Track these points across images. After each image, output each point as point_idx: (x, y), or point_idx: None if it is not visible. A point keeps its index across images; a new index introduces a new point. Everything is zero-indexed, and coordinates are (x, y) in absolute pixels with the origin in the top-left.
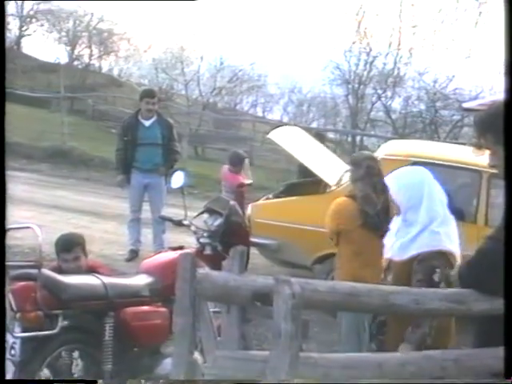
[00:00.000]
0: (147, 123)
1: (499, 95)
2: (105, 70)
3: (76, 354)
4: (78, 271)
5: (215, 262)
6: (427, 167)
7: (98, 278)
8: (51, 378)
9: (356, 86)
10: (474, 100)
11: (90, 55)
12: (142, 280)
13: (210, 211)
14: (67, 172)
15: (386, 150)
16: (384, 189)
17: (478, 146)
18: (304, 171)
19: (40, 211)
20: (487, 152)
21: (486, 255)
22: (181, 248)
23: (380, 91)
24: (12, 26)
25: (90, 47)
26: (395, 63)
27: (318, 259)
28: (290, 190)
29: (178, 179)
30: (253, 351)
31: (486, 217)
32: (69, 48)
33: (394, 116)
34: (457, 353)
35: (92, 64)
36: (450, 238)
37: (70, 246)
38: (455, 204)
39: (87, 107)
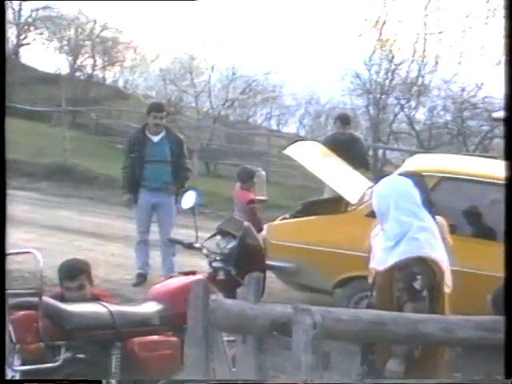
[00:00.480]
0: (155, 139)
1: None
2: (109, 81)
3: None
4: (83, 300)
5: (229, 288)
6: (455, 183)
7: (103, 305)
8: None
9: (377, 95)
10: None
11: (93, 66)
12: (150, 307)
13: (222, 233)
14: (69, 191)
15: (410, 165)
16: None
17: None
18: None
19: (40, 233)
20: None
21: None
22: (192, 273)
23: (403, 101)
24: (9, 34)
25: (93, 57)
26: (419, 71)
27: (338, 283)
28: (309, 209)
29: (189, 199)
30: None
31: None
32: (70, 58)
33: (418, 127)
34: None
35: (95, 75)
36: (432, 245)
37: (74, 274)
38: (486, 222)
39: (90, 121)
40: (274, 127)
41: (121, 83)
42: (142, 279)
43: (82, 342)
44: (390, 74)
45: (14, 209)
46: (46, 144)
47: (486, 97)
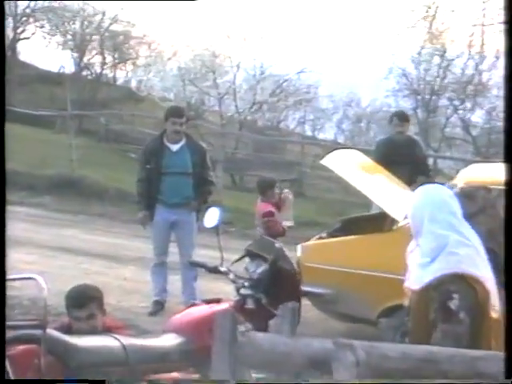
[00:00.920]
0: (174, 148)
1: None
2: (120, 81)
3: None
4: (93, 332)
5: (259, 319)
6: None
7: (116, 338)
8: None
9: (427, 96)
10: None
11: (102, 63)
12: (170, 340)
13: (251, 255)
14: (76, 206)
15: (467, 177)
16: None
17: None
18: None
19: (43, 254)
20: None
21: None
22: (217, 301)
23: (457, 102)
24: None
25: (101, 53)
26: (476, 67)
27: (384, 312)
28: (349, 227)
29: (212, 216)
30: None
31: None
32: (76, 55)
33: (474, 132)
34: None
35: (104, 74)
36: (474, 261)
37: (83, 302)
38: None
39: (99, 127)
40: (309, 133)
41: (133, 84)
42: (159, 307)
43: (91, 380)
44: (441, 71)
45: (12, 227)
46: (49, 153)
47: None
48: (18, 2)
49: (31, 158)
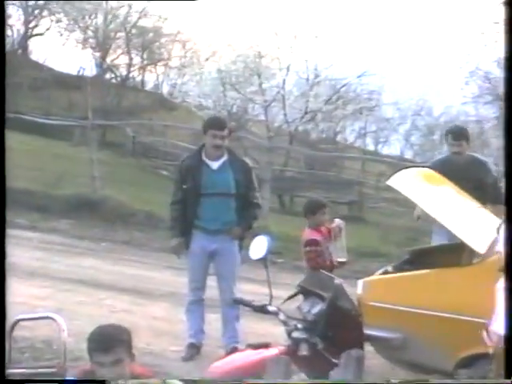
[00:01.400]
0: (215, 165)
1: None
2: (150, 86)
3: None
4: (120, 379)
5: (314, 367)
6: None
7: None
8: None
9: None
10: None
11: (129, 65)
12: None
13: (305, 292)
14: (98, 232)
15: None
16: None
17: None
18: None
19: (59, 288)
20: None
21: None
22: (265, 346)
23: None
24: (13, 20)
25: (127, 53)
26: None
27: (463, 361)
28: (420, 260)
29: (259, 246)
30: None
31: None
32: (98, 54)
33: None
34: None
35: (131, 78)
36: None
37: (108, 345)
38: None
39: (125, 139)
40: (371, 147)
41: (165, 89)
42: (194, 352)
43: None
44: None
45: (23, 256)
46: (67, 169)
47: None
48: None
49: (45, 176)
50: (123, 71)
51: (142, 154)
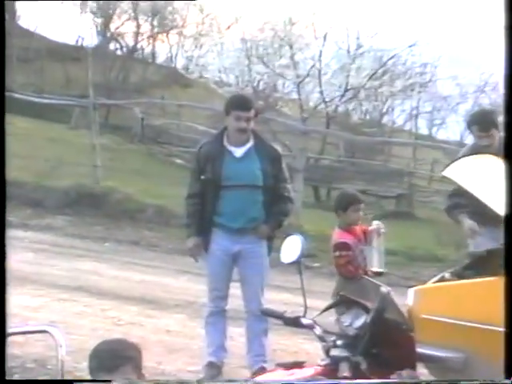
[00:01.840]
0: (239, 152)
1: None
2: (161, 59)
3: None
4: None
5: None
6: None
7: None
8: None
9: None
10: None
11: (136, 34)
12: None
13: (346, 302)
14: (101, 230)
15: None
16: None
17: None
18: None
19: (55, 296)
20: None
21: None
22: (298, 366)
23: None
24: None
25: (135, 19)
26: None
27: None
28: (483, 265)
29: (291, 248)
30: None
31: None
32: (99, 21)
33: None
34: None
35: (139, 49)
36: None
37: (114, 363)
38: None
39: (133, 122)
40: (423, 131)
41: (179, 62)
42: (214, 372)
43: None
44: None
45: (11, 259)
46: (64, 157)
47: None
48: None
49: (38, 164)
50: (130, 41)
51: (152, 138)
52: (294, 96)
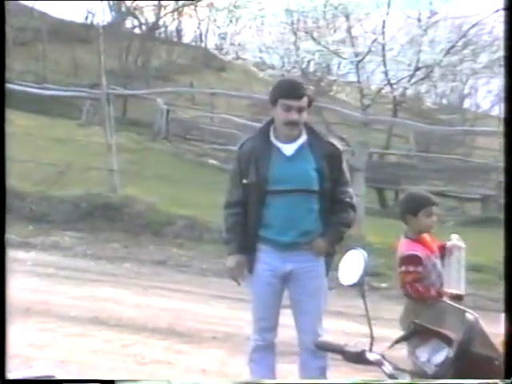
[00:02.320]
0: (289, 150)
1: None
2: (188, 38)
3: None
4: None
5: None
6: None
7: None
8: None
9: None
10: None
11: (158, 8)
12: None
13: (422, 332)
14: (119, 249)
15: None
16: None
17: None
18: None
19: (65, 331)
20: None
21: None
22: None
23: None
24: None
25: None
26: None
27: None
28: None
29: (352, 267)
30: None
31: None
32: None
33: None
34: None
35: (162, 26)
36: None
37: None
38: None
39: (156, 115)
40: None
41: (211, 41)
42: None
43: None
44: None
45: (12, 285)
46: (73, 160)
47: None
48: None
49: (42, 170)
50: (149, 16)
51: (180, 135)
52: (352, 78)
